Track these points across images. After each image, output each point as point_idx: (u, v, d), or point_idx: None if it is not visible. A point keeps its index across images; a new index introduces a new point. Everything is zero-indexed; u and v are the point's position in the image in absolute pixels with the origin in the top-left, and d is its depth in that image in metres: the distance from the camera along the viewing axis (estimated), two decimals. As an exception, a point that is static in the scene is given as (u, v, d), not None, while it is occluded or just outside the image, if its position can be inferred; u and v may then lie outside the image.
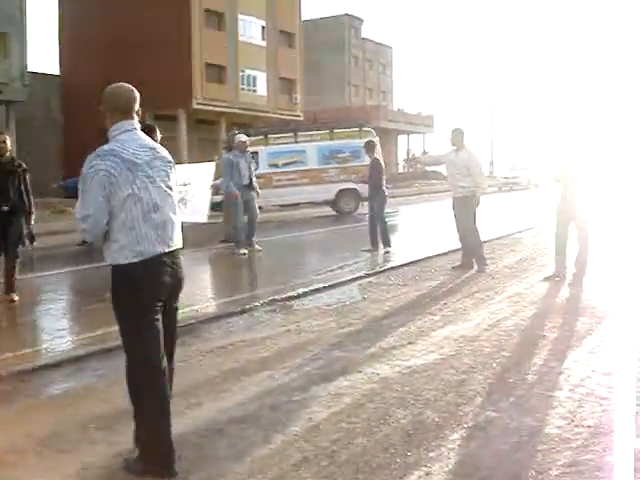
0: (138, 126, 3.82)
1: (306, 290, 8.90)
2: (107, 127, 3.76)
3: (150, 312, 3.67)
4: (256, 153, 21.02)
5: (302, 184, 23.66)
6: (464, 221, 10.24)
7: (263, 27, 47.91)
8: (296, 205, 24.95)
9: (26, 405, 5.01)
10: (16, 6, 34.93)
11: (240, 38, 46.13)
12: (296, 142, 24.36)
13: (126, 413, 4.61)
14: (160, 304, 3.72)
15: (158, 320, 3.71)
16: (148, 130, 7.91)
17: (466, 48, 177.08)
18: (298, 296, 8.58)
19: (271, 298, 8.29)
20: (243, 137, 13.98)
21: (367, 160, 14.18)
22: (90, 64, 42.79)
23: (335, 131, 24.40)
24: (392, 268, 10.75)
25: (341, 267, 10.94)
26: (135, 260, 3.60)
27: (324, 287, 9.14)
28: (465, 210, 10.18)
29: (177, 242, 3.81)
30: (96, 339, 6.75)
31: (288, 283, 9.55)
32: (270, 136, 24.79)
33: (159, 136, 7.62)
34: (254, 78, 47.37)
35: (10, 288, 8.81)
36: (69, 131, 43.38)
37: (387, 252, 12.44)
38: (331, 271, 10.54)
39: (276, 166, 23.48)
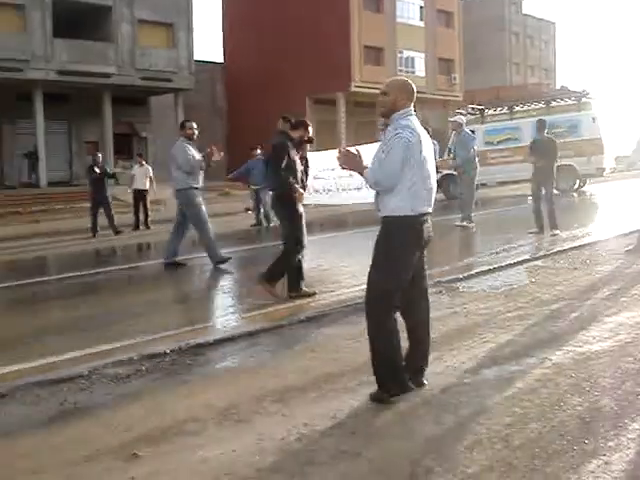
0: None
1: (471, 272, 8.79)
2: (395, 109, 4.47)
3: (409, 256, 4.41)
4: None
5: (516, 161, 22.90)
6: None
7: (421, 7, 47.45)
8: (514, 182, 24.27)
9: (204, 377, 5.26)
10: (182, -3, 36.60)
11: (398, 19, 45.93)
12: (511, 119, 24.02)
13: (297, 388, 4.78)
14: (418, 253, 4.47)
15: (413, 266, 4.46)
16: (297, 125, 7.92)
17: (634, 21, 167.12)
18: (463, 278, 8.47)
19: (437, 280, 8.22)
20: (457, 118, 15.04)
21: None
22: (251, 49, 44.13)
23: (552, 105, 23.50)
24: (560, 251, 10.36)
25: (506, 249, 10.71)
26: (410, 213, 4.36)
27: (490, 269, 8.98)
28: None
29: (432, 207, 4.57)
30: (266, 317, 7.01)
31: (452, 264, 9.45)
32: (487, 113, 24.54)
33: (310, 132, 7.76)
34: (412, 59, 47.07)
35: None
36: (233, 117, 44.95)
37: (554, 235, 12.01)
38: (496, 253, 10.34)
39: (491, 144, 23.23)
